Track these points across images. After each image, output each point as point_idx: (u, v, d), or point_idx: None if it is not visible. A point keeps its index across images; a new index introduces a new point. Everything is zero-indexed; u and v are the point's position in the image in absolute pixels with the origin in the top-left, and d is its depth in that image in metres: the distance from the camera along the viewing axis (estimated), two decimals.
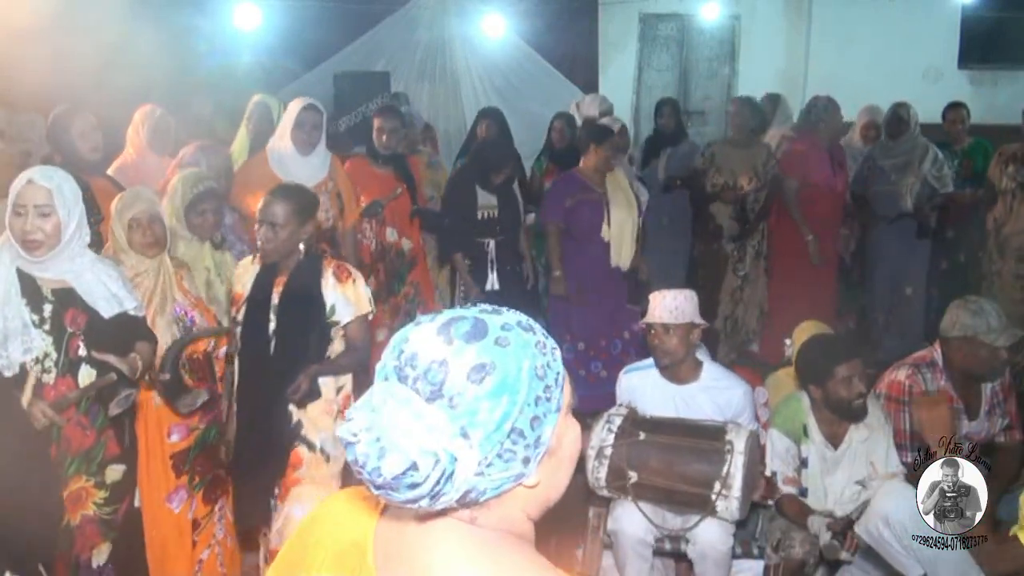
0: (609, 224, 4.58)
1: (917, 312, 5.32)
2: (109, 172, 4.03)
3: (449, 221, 4.65)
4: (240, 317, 2.94)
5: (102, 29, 4.30)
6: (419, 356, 0.94)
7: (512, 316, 1.01)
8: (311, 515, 1.17)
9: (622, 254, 4.65)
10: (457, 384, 0.93)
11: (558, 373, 1.00)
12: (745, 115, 5.26)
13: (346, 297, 2.86)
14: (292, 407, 2.89)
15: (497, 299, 4.46)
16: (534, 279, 4.93)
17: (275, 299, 2.88)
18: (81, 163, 3.57)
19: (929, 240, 5.36)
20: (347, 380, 3.02)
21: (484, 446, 0.93)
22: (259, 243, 2.89)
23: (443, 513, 0.98)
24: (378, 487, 0.92)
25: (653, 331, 3.16)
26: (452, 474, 0.91)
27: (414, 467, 0.90)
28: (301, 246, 2.86)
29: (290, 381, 2.79)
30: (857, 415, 3.00)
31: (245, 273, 3.00)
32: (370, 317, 2.94)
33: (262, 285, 2.91)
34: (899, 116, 5.31)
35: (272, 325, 2.86)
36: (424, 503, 0.93)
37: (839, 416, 3.02)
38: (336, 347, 2.92)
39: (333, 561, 1.06)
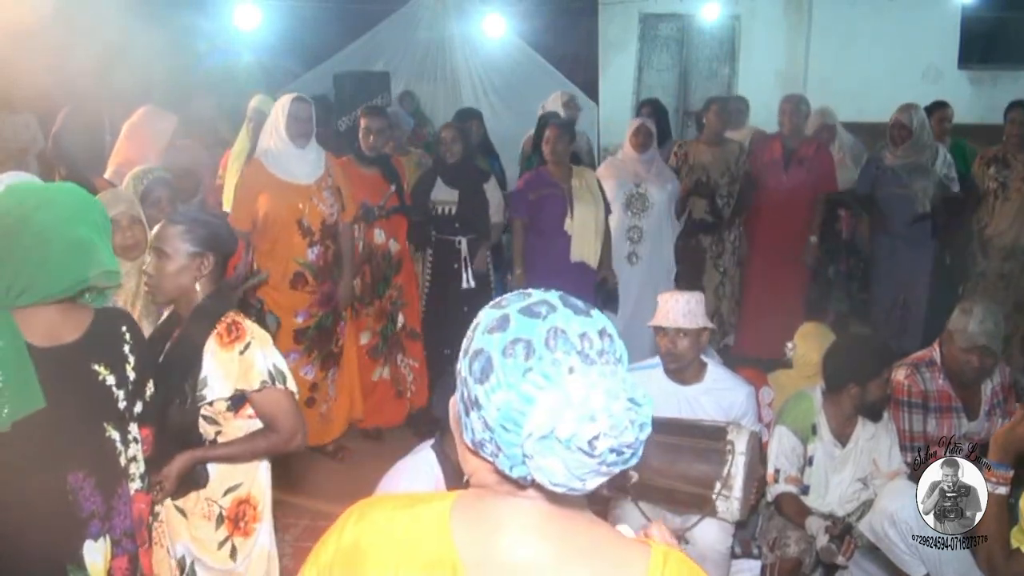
0: (572, 218, 4.61)
1: (920, 314, 5.29)
2: (107, 175, 4.01)
3: (413, 214, 4.62)
4: None
5: (102, 29, 4.28)
6: (590, 335, 0.97)
7: None
8: (350, 542, 1.05)
9: (584, 249, 4.65)
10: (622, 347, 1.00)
11: None
12: (724, 118, 5.36)
13: (222, 367, 2.16)
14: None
15: (473, 297, 4.45)
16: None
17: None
18: (87, 164, 3.57)
19: (934, 241, 5.30)
20: (246, 480, 2.29)
21: None
22: (144, 276, 2.36)
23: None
24: (622, 463, 0.97)
25: (664, 335, 3.09)
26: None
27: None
28: (198, 286, 2.24)
29: (156, 469, 2.07)
30: (880, 414, 3.09)
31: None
32: (293, 392, 2.25)
33: (158, 339, 2.30)
34: (901, 122, 5.05)
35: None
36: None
37: (863, 415, 3.06)
38: (229, 432, 2.24)
39: None
